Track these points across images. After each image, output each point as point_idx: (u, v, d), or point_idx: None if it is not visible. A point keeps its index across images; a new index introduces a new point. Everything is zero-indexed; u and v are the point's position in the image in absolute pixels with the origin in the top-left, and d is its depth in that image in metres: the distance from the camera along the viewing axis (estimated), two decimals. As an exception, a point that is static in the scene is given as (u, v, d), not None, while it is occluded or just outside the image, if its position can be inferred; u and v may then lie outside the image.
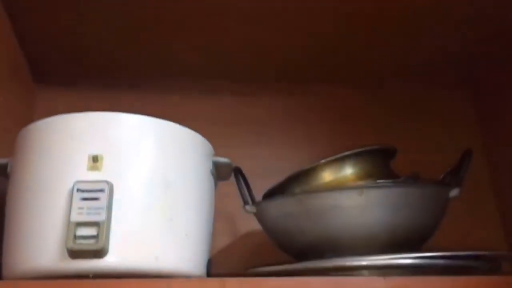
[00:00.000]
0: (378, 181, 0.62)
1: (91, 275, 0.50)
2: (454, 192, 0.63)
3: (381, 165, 0.67)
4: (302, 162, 0.67)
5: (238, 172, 0.71)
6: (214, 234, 0.65)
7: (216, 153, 0.67)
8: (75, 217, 0.50)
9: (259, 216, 0.69)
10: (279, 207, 0.64)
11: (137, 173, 0.54)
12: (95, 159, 0.53)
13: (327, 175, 0.65)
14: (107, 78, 0.95)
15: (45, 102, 0.92)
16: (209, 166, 0.64)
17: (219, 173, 0.66)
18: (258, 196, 0.72)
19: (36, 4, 0.76)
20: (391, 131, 0.97)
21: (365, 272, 0.56)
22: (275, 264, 0.60)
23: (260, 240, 0.81)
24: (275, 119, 0.98)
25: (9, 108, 0.79)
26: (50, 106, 0.92)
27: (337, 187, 0.63)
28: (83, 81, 0.95)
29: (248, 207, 0.69)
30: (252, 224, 0.80)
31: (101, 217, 0.50)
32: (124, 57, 0.91)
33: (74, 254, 0.49)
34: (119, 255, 0.50)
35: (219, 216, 0.77)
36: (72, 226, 0.49)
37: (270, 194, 0.70)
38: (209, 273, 0.60)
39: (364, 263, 0.55)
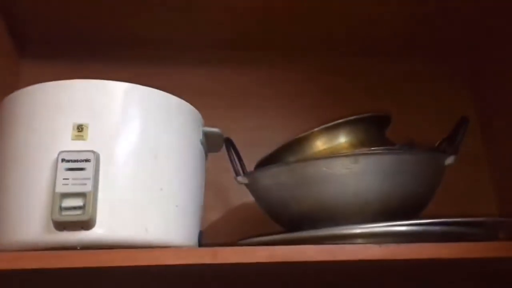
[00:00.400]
0: (373, 148, 0.60)
1: (78, 247, 0.49)
2: (449, 160, 0.62)
3: (375, 133, 0.66)
4: (291, 133, 0.65)
5: (229, 143, 0.69)
6: (205, 207, 0.64)
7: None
8: (60, 188, 0.48)
9: (252, 187, 0.67)
10: (272, 177, 0.62)
11: (124, 142, 0.52)
12: (79, 128, 0.51)
13: (321, 144, 0.63)
14: (93, 50, 0.92)
15: (31, 74, 0.89)
16: (199, 135, 0.62)
17: (210, 144, 0.65)
18: (248, 168, 0.70)
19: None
20: (385, 100, 0.95)
21: (359, 240, 0.55)
22: (268, 235, 0.59)
23: (252, 212, 0.80)
24: (262, 89, 0.95)
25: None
26: (36, 78, 0.89)
27: (331, 154, 0.62)
28: (70, 54, 0.92)
29: (240, 178, 0.67)
30: (243, 197, 0.78)
31: (87, 188, 0.48)
32: (110, 29, 0.88)
33: (60, 225, 0.48)
34: (107, 227, 0.49)
35: (210, 189, 0.76)
36: (57, 197, 0.48)
37: (262, 164, 0.68)
38: (201, 245, 0.59)
39: (359, 231, 0.54)
